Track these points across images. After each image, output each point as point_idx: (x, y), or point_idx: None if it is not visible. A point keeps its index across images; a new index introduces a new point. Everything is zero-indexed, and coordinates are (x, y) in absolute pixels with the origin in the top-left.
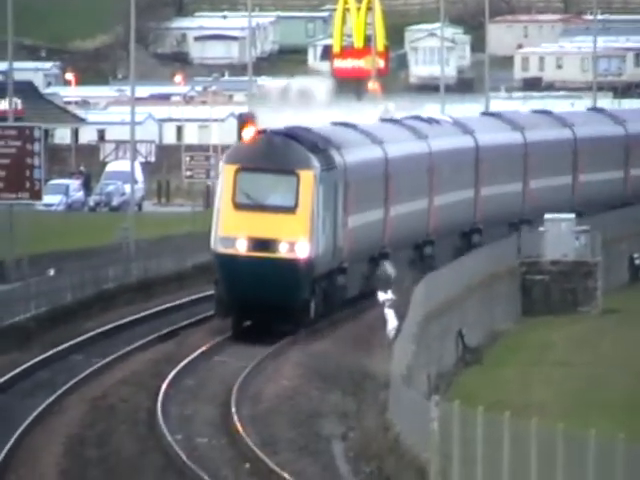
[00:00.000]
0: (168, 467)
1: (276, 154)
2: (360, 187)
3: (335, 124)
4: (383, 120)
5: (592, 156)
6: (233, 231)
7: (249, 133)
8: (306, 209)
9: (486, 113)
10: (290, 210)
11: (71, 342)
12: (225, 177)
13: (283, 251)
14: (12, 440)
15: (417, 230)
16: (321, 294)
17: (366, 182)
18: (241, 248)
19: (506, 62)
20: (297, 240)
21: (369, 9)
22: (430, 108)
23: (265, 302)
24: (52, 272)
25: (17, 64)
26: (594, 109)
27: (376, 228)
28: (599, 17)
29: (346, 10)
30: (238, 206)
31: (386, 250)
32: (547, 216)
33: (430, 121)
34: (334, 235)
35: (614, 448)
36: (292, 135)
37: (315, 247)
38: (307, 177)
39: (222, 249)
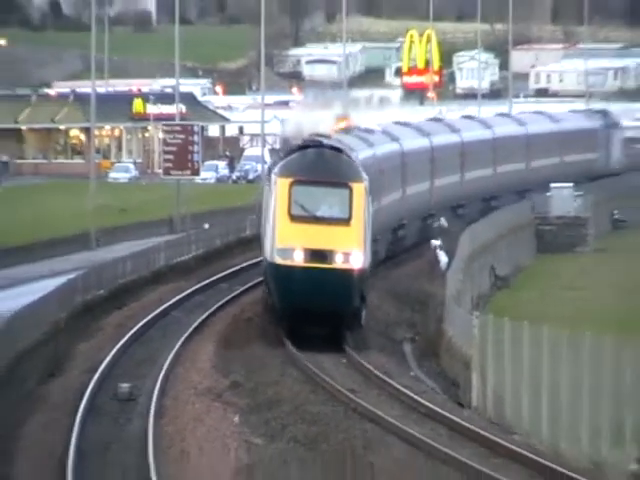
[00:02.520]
0: (287, 362)
1: (329, 167)
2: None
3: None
4: (396, 123)
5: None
6: (290, 242)
7: (343, 125)
8: (359, 220)
9: (432, 119)
10: (344, 222)
11: (219, 275)
12: (279, 190)
13: (339, 262)
14: (179, 342)
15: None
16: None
17: (390, 171)
18: (298, 259)
19: (523, 77)
20: (352, 251)
21: (428, 41)
22: (470, 110)
23: (320, 310)
24: (206, 225)
25: (182, 80)
26: (501, 114)
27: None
28: (589, 45)
29: (412, 42)
30: (294, 218)
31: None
32: (553, 185)
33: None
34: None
35: (603, 347)
36: (341, 149)
37: (366, 257)
38: (359, 189)
39: (279, 260)
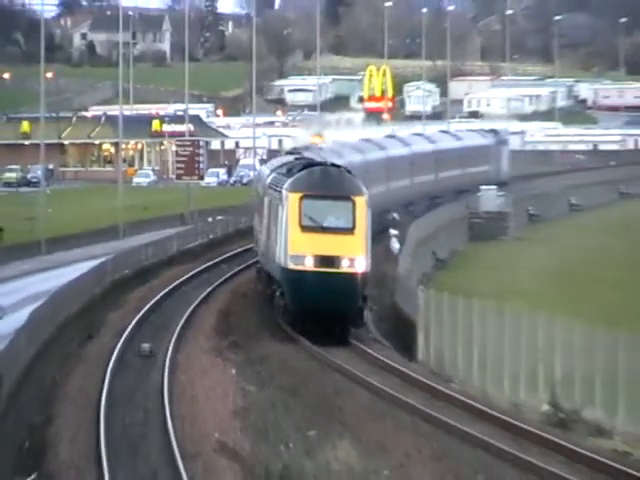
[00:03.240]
0: (275, 328)
1: (334, 183)
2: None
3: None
4: (364, 140)
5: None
6: (301, 250)
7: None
8: (361, 230)
9: (387, 136)
10: (349, 231)
11: (220, 258)
12: (290, 203)
13: (345, 266)
14: (188, 312)
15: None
16: None
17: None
18: (309, 264)
19: (458, 102)
20: (356, 257)
21: (384, 74)
22: (417, 129)
23: (328, 309)
24: (210, 219)
25: (190, 105)
26: (418, 134)
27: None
28: (510, 77)
29: (371, 75)
30: (304, 228)
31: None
32: (482, 187)
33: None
34: None
35: (520, 313)
36: (342, 167)
37: (368, 262)
38: (361, 202)
39: (292, 265)
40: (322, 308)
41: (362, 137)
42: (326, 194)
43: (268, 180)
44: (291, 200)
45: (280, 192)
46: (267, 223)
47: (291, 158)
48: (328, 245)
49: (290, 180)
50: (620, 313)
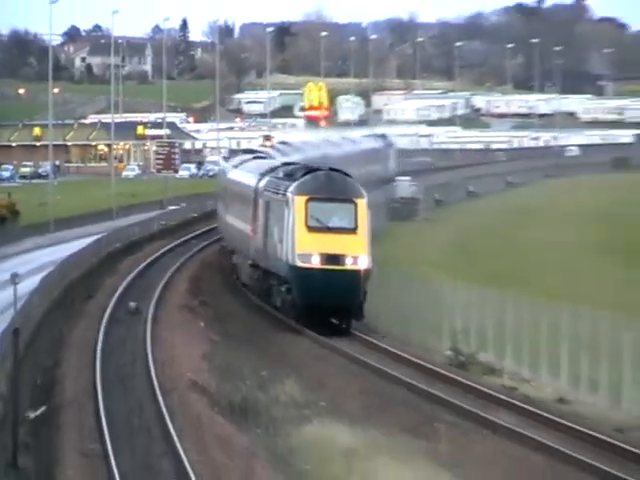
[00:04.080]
0: (236, 290)
1: (337, 187)
2: None
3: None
4: (301, 141)
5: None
6: (308, 249)
7: (268, 141)
8: (363, 229)
9: (324, 139)
10: (352, 231)
11: (190, 235)
12: (297, 206)
13: (349, 264)
14: (166, 277)
15: None
16: None
17: None
18: (315, 262)
19: (379, 112)
20: (359, 255)
21: (320, 89)
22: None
23: (333, 303)
24: (182, 204)
25: (168, 114)
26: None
27: None
28: (420, 92)
29: (310, 90)
30: (310, 228)
31: None
32: (398, 177)
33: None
34: None
35: (430, 278)
36: (344, 172)
37: (370, 259)
38: (362, 204)
39: (300, 263)
40: (327, 303)
41: (300, 139)
42: (330, 197)
43: (263, 183)
44: (297, 202)
45: (284, 195)
46: (264, 223)
47: (249, 156)
48: (333, 244)
49: (295, 184)
50: (504, 278)
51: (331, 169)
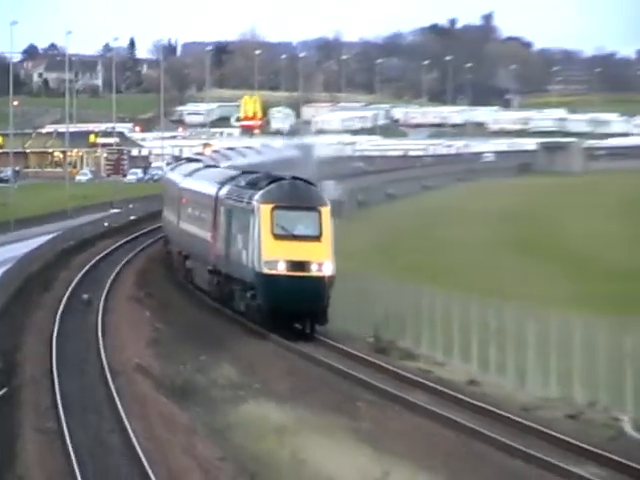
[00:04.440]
0: (178, 284)
1: (301, 195)
2: None
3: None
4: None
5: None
6: (274, 256)
7: (208, 149)
8: (327, 237)
9: (262, 145)
10: (316, 238)
11: (138, 233)
12: (263, 214)
13: (314, 270)
14: (116, 271)
15: None
16: None
17: None
18: (281, 269)
19: (309, 123)
20: (324, 261)
21: (255, 102)
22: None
23: (298, 309)
24: (131, 205)
25: (117, 124)
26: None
27: None
28: (344, 104)
29: (246, 102)
30: (276, 236)
31: None
32: (324, 181)
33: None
34: None
35: (360, 271)
36: (308, 181)
37: (334, 266)
38: (326, 212)
39: (266, 270)
40: (293, 308)
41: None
42: (295, 205)
43: (224, 192)
44: (263, 211)
45: (249, 203)
46: (225, 231)
47: (200, 165)
48: (298, 251)
49: (261, 192)
50: (420, 271)
51: (295, 178)
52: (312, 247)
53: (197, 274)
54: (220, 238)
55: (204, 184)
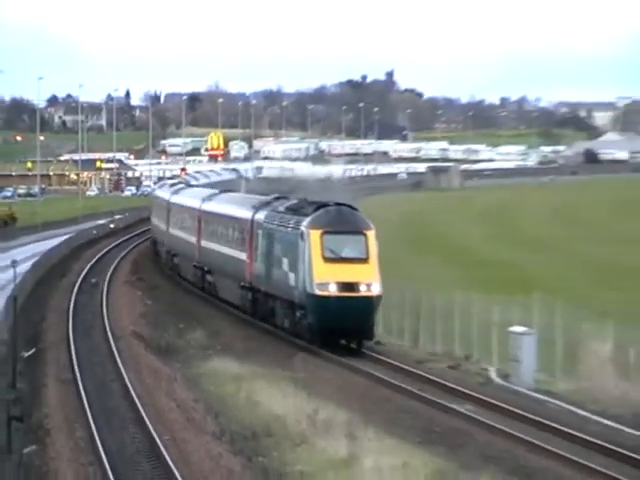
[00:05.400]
0: (163, 272)
1: (348, 220)
2: None
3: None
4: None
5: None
6: (325, 278)
7: (183, 172)
8: (374, 259)
9: (224, 169)
10: (364, 260)
11: (132, 234)
12: (312, 238)
13: (363, 290)
14: (115, 262)
15: None
16: None
17: None
18: (332, 290)
19: (258, 152)
20: (372, 282)
21: (218, 137)
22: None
23: (348, 328)
24: (126, 214)
25: (117, 154)
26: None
27: None
28: (286, 138)
29: (212, 137)
30: (326, 259)
31: None
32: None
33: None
34: None
35: None
36: (352, 206)
37: (381, 286)
38: (371, 235)
39: (318, 292)
40: (343, 327)
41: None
42: (343, 229)
43: (261, 216)
44: (313, 236)
45: (297, 228)
46: (266, 252)
47: (177, 183)
48: (348, 273)
49: (310, 218)
50: None
51: (339, 204)
52: (360, 269)
53: (222, 288)
54: (259, 259)
55: (234, 208)
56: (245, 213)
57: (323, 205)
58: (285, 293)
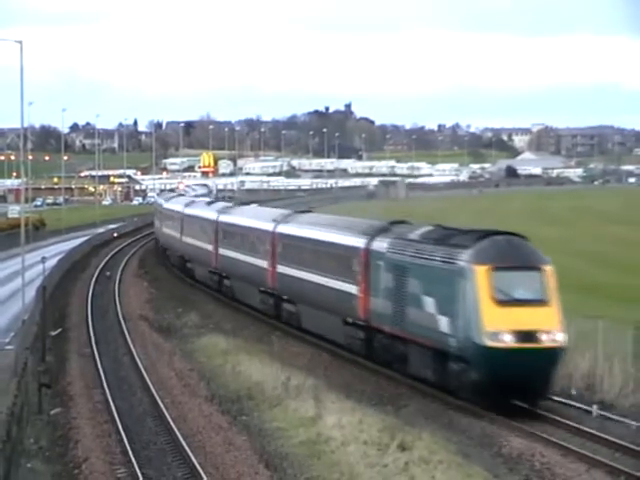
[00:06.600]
0: (166, 267)
1: (521, 253)
2: None
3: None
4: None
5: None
6: (498, 326)
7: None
8: (556, 300)
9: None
10: (544, 303)
11: (140, 235)
12: (478, 276)
13: (544, 340)
14: (126, 258)
15: None
16: None
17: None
18: (508, 340)
19: (242, 169)
20: (555, 330)
21: (209, 157)
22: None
23: (523, 384)
24: (135, 219)
25: (127, 170)
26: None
27: None
28: (264, 157)
29: (205, 156)
30: (498, 302)
31: None
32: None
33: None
34: None
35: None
36: (522, 236)
37: (565, 334)
38: (549, 271)
39: (489, 342)
40: (518, 384)
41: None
42: (517, 265)
43: (383, 245)
44: (478, 273)
45: (452, 263)
46: (393, 289)
47: (176, 195)
48: (525, 319)
49: (472, 251)
50: None
51: (508, 233)
52: (540, 313)
53: (310, 319)
54: (380, 294)
55: (335, 235)
56: (355, 241)
57: (487, 234)
58: (430, 340)
